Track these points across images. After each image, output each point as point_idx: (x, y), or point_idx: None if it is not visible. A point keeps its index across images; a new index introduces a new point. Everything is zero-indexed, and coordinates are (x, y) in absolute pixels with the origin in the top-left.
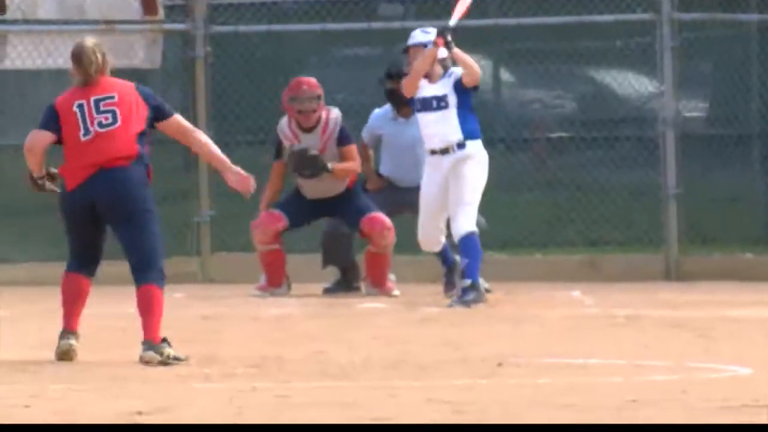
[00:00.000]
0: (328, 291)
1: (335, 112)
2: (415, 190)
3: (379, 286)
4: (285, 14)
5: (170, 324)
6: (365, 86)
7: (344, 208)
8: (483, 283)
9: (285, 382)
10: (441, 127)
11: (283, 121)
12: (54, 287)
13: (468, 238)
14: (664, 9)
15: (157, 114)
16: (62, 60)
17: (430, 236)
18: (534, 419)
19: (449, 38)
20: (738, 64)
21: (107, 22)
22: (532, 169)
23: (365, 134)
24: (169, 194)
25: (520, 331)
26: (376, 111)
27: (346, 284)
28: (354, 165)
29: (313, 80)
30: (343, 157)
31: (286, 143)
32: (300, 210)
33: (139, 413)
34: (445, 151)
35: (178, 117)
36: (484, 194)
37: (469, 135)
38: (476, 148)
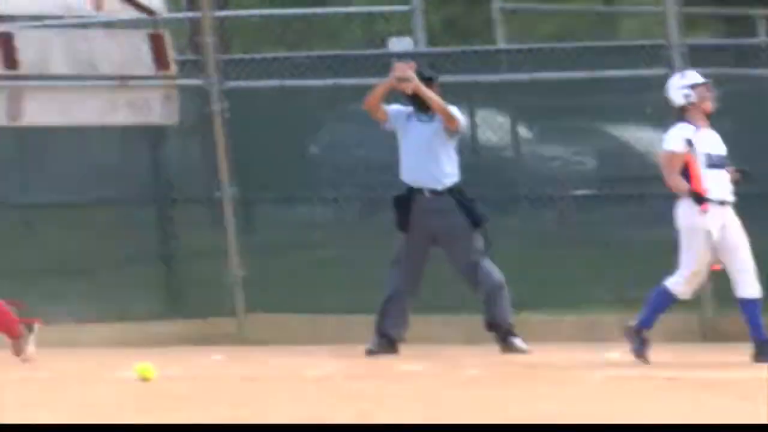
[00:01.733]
0: (371, 352)
1: None
2: None
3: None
4: (297, 69)
5: (210, 385)
6: (383, 138)
7: None
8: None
9: None
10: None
11: None
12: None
13: None
14: (675, 64)
15: None
16: (81, 116)
17: None
18: None
19: None
20: None
21: (122, 77)
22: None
23: None
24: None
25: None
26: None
27: (386, 345)
28: None
29: None
30: None
31: None
32: None
33: None
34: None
35: None
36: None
37: None
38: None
